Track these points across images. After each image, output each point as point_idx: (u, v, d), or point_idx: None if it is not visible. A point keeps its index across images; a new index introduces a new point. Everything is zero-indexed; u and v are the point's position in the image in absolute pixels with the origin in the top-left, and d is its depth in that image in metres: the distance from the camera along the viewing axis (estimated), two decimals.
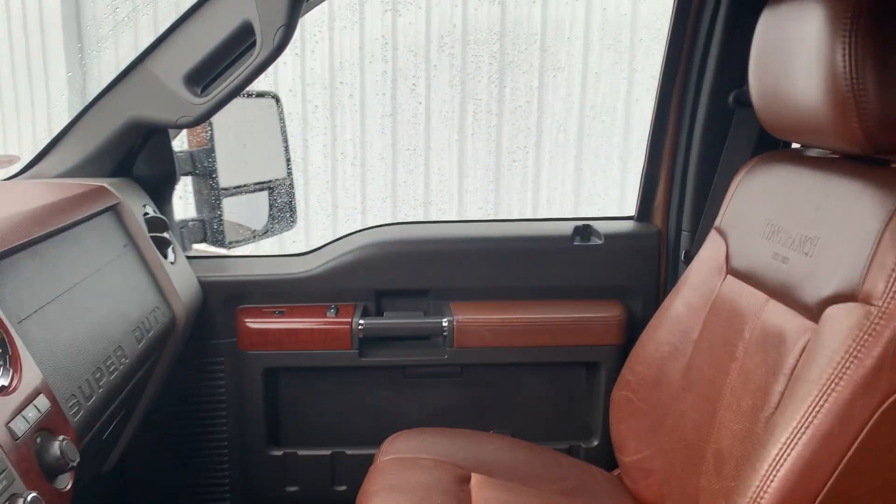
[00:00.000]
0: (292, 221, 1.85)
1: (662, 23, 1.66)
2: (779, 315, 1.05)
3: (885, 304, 0.85)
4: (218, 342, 1.67)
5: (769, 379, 1.00)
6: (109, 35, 4.53)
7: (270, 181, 1.82)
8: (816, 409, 0.85)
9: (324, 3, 1.57)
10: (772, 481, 0.86)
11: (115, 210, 1.36)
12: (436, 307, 1.72)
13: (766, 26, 1.10)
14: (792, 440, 0.86)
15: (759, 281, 1.13)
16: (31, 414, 0.83)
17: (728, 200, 1.30)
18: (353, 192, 4.53)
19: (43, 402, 0.86)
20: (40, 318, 0.98)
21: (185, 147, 1.70)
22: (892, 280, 0.85)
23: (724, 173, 1.60)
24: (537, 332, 1.69)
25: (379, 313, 1.72)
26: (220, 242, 1.73)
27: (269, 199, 1.82)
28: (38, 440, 0.83)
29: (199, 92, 1.40)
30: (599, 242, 1.72)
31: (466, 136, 4.39)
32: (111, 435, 1.28)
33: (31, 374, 0.87)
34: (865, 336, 0.85)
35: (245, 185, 1.77)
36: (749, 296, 1.14)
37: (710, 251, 1.30)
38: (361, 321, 1.65)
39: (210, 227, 1.71)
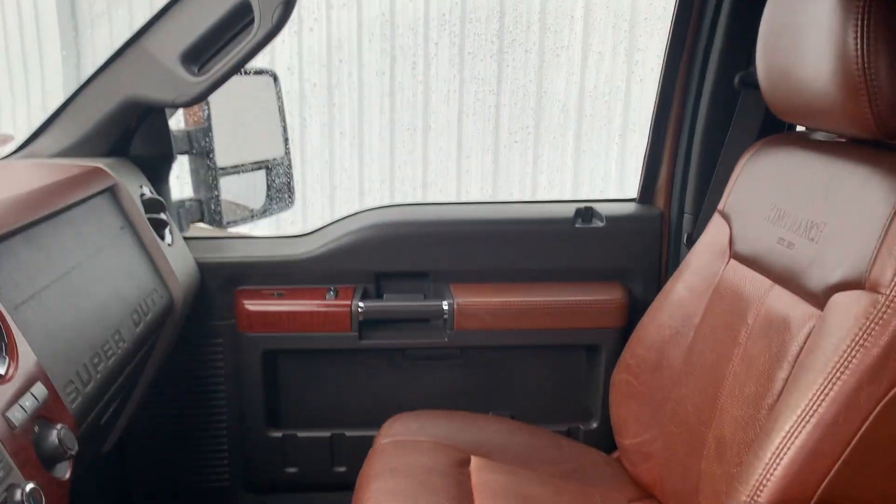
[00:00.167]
0: (290, 201, 1.83)
1: (668, 1, 1.63)
2: (783, 301, 1.04)
3: (893, 293, 0.84)
4: (216, 324, 1.66)
5: (773, 365, 0.99)
6: (104, 12, 4.47)
7: (268, 160, 1.80)
8: (821, 397, 0.84)
9: None
10: (775, 469, 0.85)
11: (111, 191, 1.35)
12: (436, 289, 1.71)
13: (776, 6, 1.08)
14: (796, 429, 0.85)
15: (764, 266, 1.12)
16: (28, 403, 0.82)
17: (732, 183, 1.28)
18: (352, 172, 4.50)
19: (40, 389, 0.85)
20: (36, 303, 0.97)
21: (182, 126, 1.68)
22: None
23: (729, 156, 1.58)
24: (538, 315, 1.68)
25: (378, 295, 1.71)
26: (217, 222, 1.72)
27: (267, 179, 1.80)
28: (36, 429, 0.82)
29: (195, 71, 1.38)
30: (601, 225, 1.70)
31: (467, 116, 4.35)
32: (109, 419, 1.27)
33: (28, 362, 0.86)
34: (872, 325, 0.84)
35: (243, 165, 1.76)
36: (753, 281, 1.13)
37: (713, 235, 1.29)
38: (361, 304, 1.64)
39: (207, 207, 1.69)
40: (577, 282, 1.71)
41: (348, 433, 1.73)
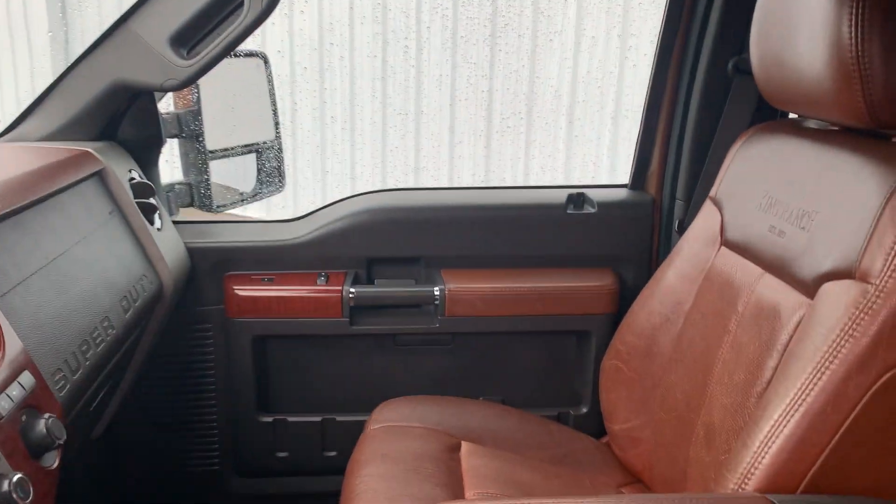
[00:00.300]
0: (281, 185, 1.82)
1: None
2: (773, 289, 1.04)
3: (883, 283, 0.84)
4: (206, 309, 1.66)
5: (762, 354, 1.00)
6: None
7: (258, 144, 1.79)
8: (810, 386, 0.85)
9: None
10: (763, 457, 0.86)
11: (99, 176, 1.33)
12: (427, 275, 1.71)
13: None
14: (784, 417, 0.86)
15: (755, 254, 1.12)
16: (15, 392, 0.81)
17: (724, 170, 1.28)
18: (343, 156, 4.48)
19: (28, 378, 0.84)
20: (24, 290, 0.95)
21: (172, 109, 1.66)
22: (890, 258, 0.84)
23: (721, 142, 1.58)
24: (529, 301, 1.68)
25: (370, 281, 1.71)
26: (207, 206, 1.71)
27: (258, 162, 1.79)
28: (24, 418, 0.82)
29: (185, 54, 1.37)
30: (593, 211, 1.70)
31: (459, 101, 4.32)
32: (98, 406, 1.27)
33: (15, 350, 0.85)
34: (862, 314, 0.84)
35: (233, 148, 1.74)
36: (743, 268, 1.13)
37: (705, 221, 1.29)
38: (352, 289, 1.64)
39: (197, 191, 1.68)
40: (569, 268, 1.71)
41: (339, 418, 1.73)
